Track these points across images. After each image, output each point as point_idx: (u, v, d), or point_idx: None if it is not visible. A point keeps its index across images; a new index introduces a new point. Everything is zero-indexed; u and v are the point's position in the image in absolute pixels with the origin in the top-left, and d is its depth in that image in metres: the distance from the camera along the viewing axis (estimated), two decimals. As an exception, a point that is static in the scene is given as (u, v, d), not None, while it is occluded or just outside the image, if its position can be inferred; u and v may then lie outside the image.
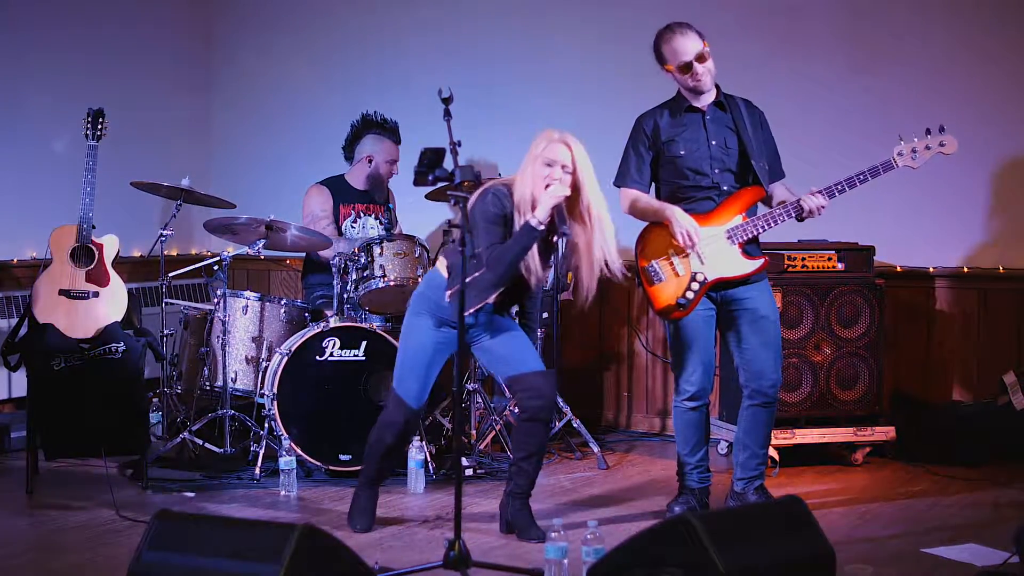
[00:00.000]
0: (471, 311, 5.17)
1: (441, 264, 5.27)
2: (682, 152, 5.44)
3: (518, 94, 7.79)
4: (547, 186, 4.99)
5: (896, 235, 6.95)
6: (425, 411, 6.27)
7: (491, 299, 5.20)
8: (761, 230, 5.41)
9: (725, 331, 5.55)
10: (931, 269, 7.00)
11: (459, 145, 4.91)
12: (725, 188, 5.44)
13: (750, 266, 5.43)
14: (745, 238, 5.40)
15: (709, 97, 5.49)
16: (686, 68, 5.38)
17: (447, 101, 5.02)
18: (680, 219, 5.35)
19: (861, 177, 5.35)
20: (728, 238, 5.39)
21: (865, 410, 6.62)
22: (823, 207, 5.35)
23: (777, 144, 5.62)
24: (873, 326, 6.61)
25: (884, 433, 6.60)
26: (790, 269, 6.58)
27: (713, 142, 5.45)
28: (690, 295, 5.39)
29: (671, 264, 5.43)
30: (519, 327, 5.44)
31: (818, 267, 6.62)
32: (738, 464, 5.62)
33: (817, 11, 7.16)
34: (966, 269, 6.92)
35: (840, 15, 7.12)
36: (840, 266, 6.63)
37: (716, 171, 5.44)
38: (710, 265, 5.39)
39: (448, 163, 4.85)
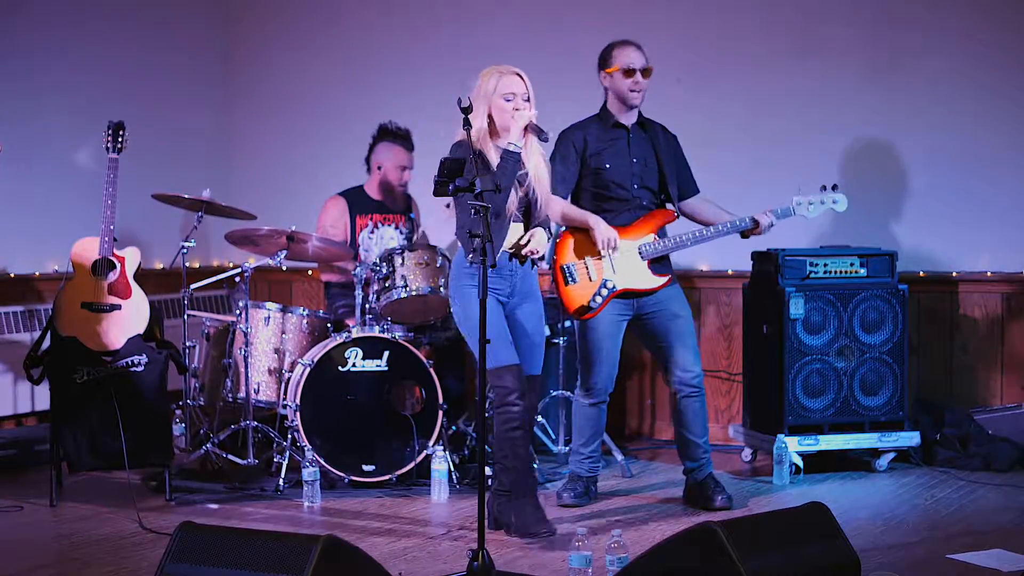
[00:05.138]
0: (498, 256, 5.32)
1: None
2: (607, 165, 5.88)
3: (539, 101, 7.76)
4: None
5: (918, 240, 6.92)
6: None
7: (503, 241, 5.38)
8: (669, 251, 5.92)
9: (646, 335, 6.00)
10: (954, 274, 6.96)
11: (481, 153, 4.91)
12: (644, 203, 5.92)
13: (656, 282, 5.89)
14: (654, 255, 5.88)
15: (633, 117, 5.94)
16: (630, 73, 5.82)
17: (466, 110, 5.04)
18: (603, 228, 5.78)
19: (769, 215, 5.91)
20: (639, 253, 5.86)
21: (889, 416, 6.60)
22: (771, 226, 5.94)
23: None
24: (897, 332, 6.58)
25: (909, 439, 6.58)
26: (812, 275, 6.56)
27: (635, 159, 5.91)
28: (599, 299, 5.83)
29: (586, 268, 5.86)
30: (543, 329, 5.63)
31: (841, 273, 6.59)
32: (686, 456, 5.99)
33: (839, 14, 7.14)
34: (989, 273, 6.88)
35: (862, 17, 7.10)
36: (863, 272, 6.61)
37: (636, 186, 5.91)
38: (620, 275, 5.85)
39: (468, 173, 4.86)
